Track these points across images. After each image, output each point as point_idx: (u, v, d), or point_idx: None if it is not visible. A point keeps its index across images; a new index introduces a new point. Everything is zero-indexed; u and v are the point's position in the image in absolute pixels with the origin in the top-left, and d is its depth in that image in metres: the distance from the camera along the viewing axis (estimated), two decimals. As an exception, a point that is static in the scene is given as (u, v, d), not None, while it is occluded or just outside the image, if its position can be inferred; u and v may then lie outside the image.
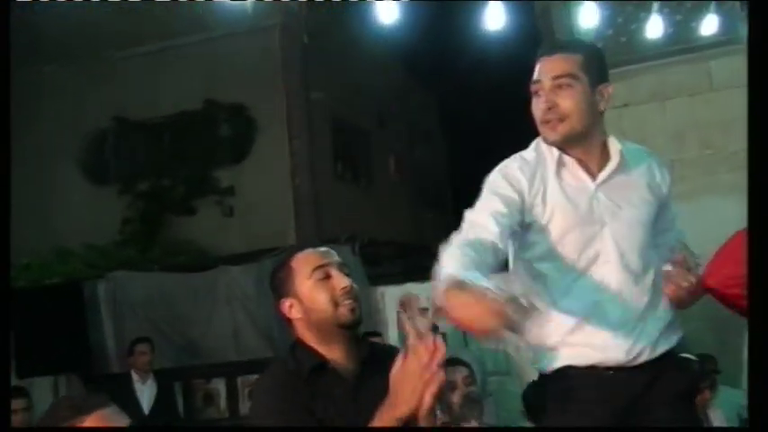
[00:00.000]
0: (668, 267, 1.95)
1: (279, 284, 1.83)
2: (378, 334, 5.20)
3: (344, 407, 1.72)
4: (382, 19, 5.33)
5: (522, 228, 1.96)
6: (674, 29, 5.87)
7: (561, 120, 1.93)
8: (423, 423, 1.52)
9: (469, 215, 1.90)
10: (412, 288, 6.02)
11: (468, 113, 11.41)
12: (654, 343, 1.95)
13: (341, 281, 1.78)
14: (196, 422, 6.21)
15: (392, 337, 6.04)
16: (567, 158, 1.99)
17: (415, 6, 5.95)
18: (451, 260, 1.70)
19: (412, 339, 1.45)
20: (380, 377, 1.59)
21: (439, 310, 1.62)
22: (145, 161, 8.70)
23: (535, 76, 1.99)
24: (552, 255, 1.95)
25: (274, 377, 1.77)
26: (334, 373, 1.76)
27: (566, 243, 1.94)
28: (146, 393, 5.54)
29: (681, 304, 1.98)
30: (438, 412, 2.35)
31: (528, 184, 1.95)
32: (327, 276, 1.79)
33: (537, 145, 2.04)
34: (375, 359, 1.79)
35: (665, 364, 1.96)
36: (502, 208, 1.88)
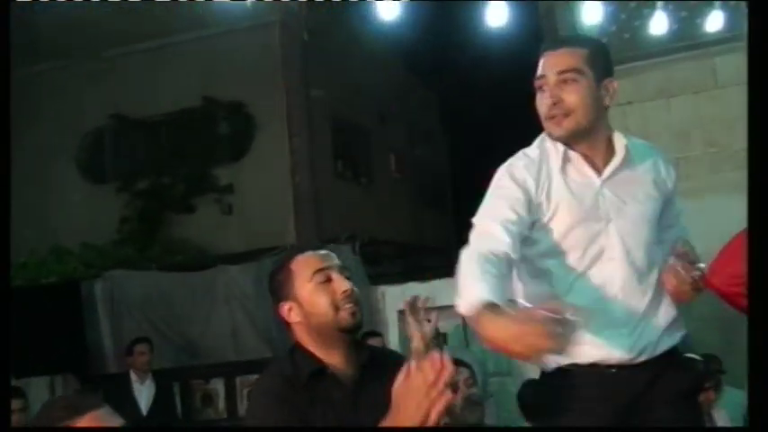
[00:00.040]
0: (670, 261, 1.93)
1: (278, 287, 1.80)
2: (378, 334, 5.17)
3: (343, 412, 1.70)
4: (383, 16, 5.30)
5: (529, 228, 1.94)
6: (678, 25, 5.84)
7: (566, 115, 1.92)
8: None
9: (480, 224, 1.89)
10: (413, 288, 5.99)
11: (469, 111, 11.39)
12: (656, 341, 1.94)
13: (342, 284, 1.76)
14: (194, 423, 6.20)
15: (392, 338, 6.02)
16: (572, 154, 1.97)
17: (415, 3, 5.91)
18: (474, 281, 1.70)
19: (416, 342, 1.42)
20: (380, 383, 1.56)
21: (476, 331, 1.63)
22: (143, 159, 8.67)
23: (539, 71, 1.97)
24: (556, 251, 1.93)
25: (272, 382, 1.74)
26: (334, 378, 1.74)
27: (570, 239, 1.92)
28: (144, 394, 5.53)
29: (682, 299, 1.95)
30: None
31: (534, 183, 1.93)
32: (328, 280, 1.77)
33: (541, 141, 2.02)
34: (375, 364, 1.77)
35: (667, 362, 1.95)
36: (511, 215, 1.87)
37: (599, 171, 1.97)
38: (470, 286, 1.69)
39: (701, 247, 2.02)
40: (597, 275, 1.92)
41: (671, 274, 1.91)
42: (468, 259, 1.77)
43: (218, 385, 6.26)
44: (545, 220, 1.93)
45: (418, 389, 1.40)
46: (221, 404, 6.27)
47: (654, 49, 5.92)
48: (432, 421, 1.42)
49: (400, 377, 1.44)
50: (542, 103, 1.95)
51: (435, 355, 1.41)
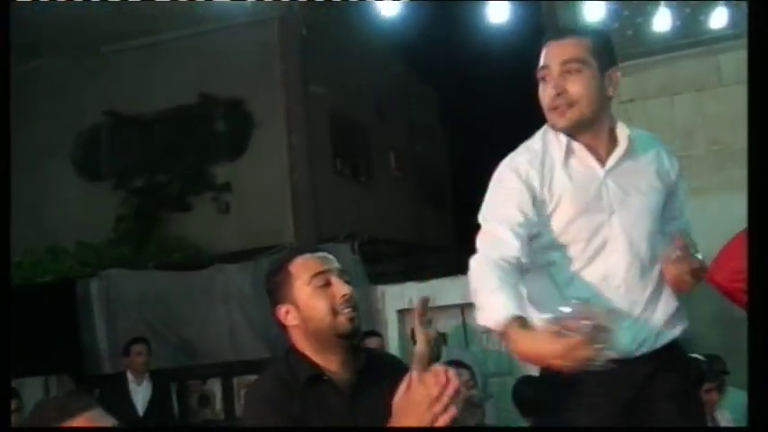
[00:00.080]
0: (669, 251, 1.93)
1: (275, 289, 1.79)
2: (377, 334, 5.11)
3: (340, 418, 1.69)
4: (383, 12, 5.25)
5: (536, 225, 1.93)
6: (681, 22, 5.80)
7: (570, 105, 1.91)
8: None
9: (488, 228, 1.88)
10: (412, 287, 5.96)
11: (470, 109, 11.35)
12: (657, 333, 1.93)
13: (341, 288, 1.74)
14: (191, 424, 6.16)
15: (392, 337, 5.97)
16: (575, 145, 1.96)
17: (416, 0, 5.86)
18: (494, 293, 1.72)
19: (421, 346, 1.41)
20: (378, 388, 1.58)
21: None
22: (139, 157, 8.61)
23: (542, 61, 1.95)
24: (558, 243, 1.93)
25: (268, 387, 1.72)
26: (330, 383, 1.72)
27: (572, 231, 1.92)
28: (141, 394, 5.50)
29: (683, 288, 1.95)
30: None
31: (539, 178, 1.92)
32: (327, 283, 1.75)
33: (543, 133, 2.00)
34: (372, 368, 1.76)
35: (668, 355, 1.94)
36: (519, 216, 1.86)
37: (602, 162, 1.96)
38: (492, 300, 1.70)
39: (704, 245, 2.01)
40: (600, 267, 1.91)
41: (670, 264, 1.91)
42: (481, 268, 1.78)
43: (215, 386, 6.26)
44: (548, 212, 1.92)
45: (420, 403, 1.38)
46: (218, 405, 6.26)
47: (657, 46, 5.88)
48: None
49: (402, 388, 1.43)
50: (545, 93, 1.94)
51: (440, 368, 1.39)
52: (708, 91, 5.81)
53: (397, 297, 6.08)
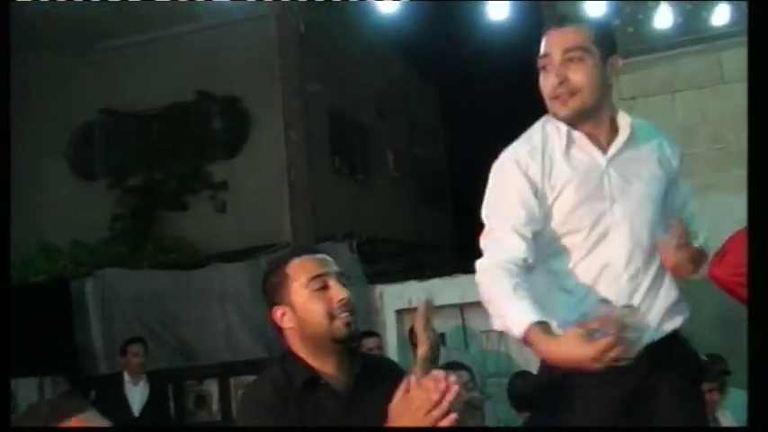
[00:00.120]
0: (666, 237, 1.93)
1: (272, 290, 1.77)
2: (375, 334, 5.07)
3: (337, 422, 1.68)
4: (382, 9, 5.22)
5: (540, 221, 1.93)
6: (683, 19, 5.80)
7: (572, 94, 1.90)
8: None
9: (494, 230, 1.88)
10: (411, 287, 5.92)
11: (469, 107, 11.32)
12: (658, 323, 1.92)
13: (338, 292, 1.73)
14: (188, 425, 6.13)
15: (390, 338, 5.93)
16: (576, 134, 1.94)
17: (416, -3, 5.82)
18: (512, 300, 1.73)
19: (423, 349, 1.41)
20: (374, 392, 1.59)
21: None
22: (135, 155, 8.55)
23: (543, 50, 1.94)
24: (561, 233, 1.92)
25: (264, 392, 1.71)
26: (327, 387, 1.71)
27: (574, 219, 1.91)
28: (137, 395, 5.48)
29: (682, 274, 1.95)
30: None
31: (540, 170, 1.91)
32: (325, 287, 1.73)
33: (543, 124, 1.99)
34: (369, 372, 1.76)
35: (668, 346, 1.93)
36: (524, 215, 1.86)
37: (604, 150, 1.95)
38: (509, 306, 1.71)
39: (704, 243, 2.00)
40: (601, 256, 1.91)
41: (669, 251, 1.90)
42: (491, 273, 1.78)
43: (211, 386, 6.24)
44: (549, 202, 1.91)
45: (419, 407, 1.39)
46: (215, 406, 6.24)
47: (658, 43, 5.87)
48: None
49: (400, 391, 1.43)
50: (547, 82, 1.92)
51: (440, 374, 1.39)
52: (709, 89, 5.81)
53: (396, 297, 6.06)
